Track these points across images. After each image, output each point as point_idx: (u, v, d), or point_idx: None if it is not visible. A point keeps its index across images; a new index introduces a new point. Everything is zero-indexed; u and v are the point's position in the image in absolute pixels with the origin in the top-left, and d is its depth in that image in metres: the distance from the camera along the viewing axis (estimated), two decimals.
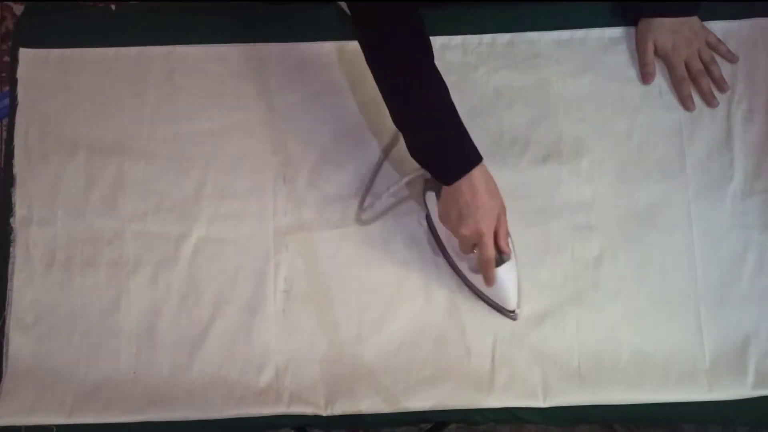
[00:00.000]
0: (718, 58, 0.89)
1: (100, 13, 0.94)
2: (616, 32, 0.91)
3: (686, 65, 0.88)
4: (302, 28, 0.92)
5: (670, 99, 0.89)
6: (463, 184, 0.73)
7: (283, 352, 0.84)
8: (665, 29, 0.87)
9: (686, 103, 0.88)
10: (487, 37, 0.91)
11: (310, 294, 0.85)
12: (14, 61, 0.91)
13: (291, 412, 0.82)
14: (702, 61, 0.88)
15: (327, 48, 0.91)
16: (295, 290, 0.85)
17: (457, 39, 0.91)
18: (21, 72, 0.90)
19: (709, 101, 0.88)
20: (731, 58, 0.88)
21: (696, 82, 0.88)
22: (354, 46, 0.90)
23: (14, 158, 0.88)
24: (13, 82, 0.90)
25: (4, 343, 0.84)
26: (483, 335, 0.84)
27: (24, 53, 0.91)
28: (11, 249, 0.86)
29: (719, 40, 0.89)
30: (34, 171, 0.88)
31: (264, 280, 0.85)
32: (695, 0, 0.88)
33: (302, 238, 0.86)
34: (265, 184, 0.88)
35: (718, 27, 0.90)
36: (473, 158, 0.74)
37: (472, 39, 0.91)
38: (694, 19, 0.88)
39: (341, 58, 0.91)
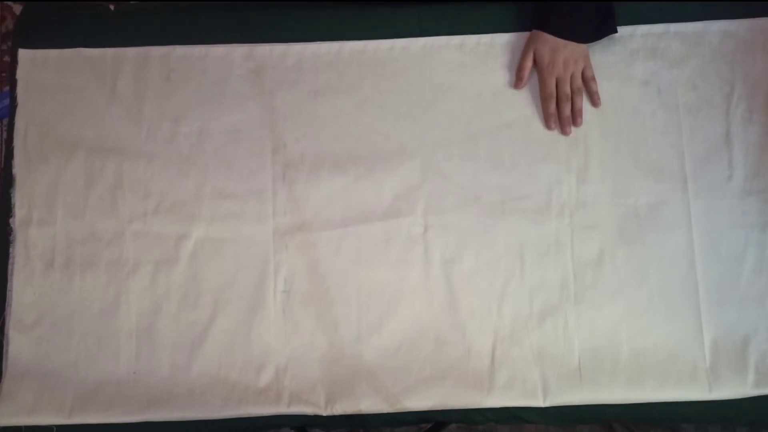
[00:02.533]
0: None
1: (100, 13, 0.94)
2: None
3: (556, 85, 0.88)
4: (302, 28, 0.92)
5: (669, 98, 0.89)
6: None
7: (283, 352, 0.84)
8: (547, 45, 0.87)
9: (547, 122, 0.88)
10: (485, 38, 0.91)
11: (310, 294, 0.85)
12: (14, 61, 0.91)
13: (291, 412, 0.82)
14: (571, 88, 0.88)
15: (327, 48, 0.91)
16: (295, 290, 0.85)
17: (455, 39, 0.91)
18: (20, 72, 0.90)
19: (563, 127, 0.88)
20: (595, 101, 0.88)
21: (559, 104, 0.88)
22: (354, 46, 0.91)
23: (14, 158, 0.88)
24: (13, 83, 0.90)
25: (4, 344, 0.84)
26: (483, 335, 0.84)
27: (23, 53, 0.91)
28: (11, 249, 0.86)
29: (593, 78, 0.89)
30: (34, 171, 0.88)
31: (264, 280, 0.85)
32: (588, 30, 0.88)
33: (302, 238, 0.86)
34: (265, 184, 0.88)
35: (717, 27, 0.90)
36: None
37: (471, 39, 0.91)
38: (582, 47, 0.88)
39: (341, 58, 0.91)
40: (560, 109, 0.88)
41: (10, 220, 0.87)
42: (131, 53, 0.91)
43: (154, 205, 0.87)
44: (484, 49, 0.91)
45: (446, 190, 0.87)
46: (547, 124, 0.88)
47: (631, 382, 0.82)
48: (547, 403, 0.82)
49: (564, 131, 0.88)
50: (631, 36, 0.91)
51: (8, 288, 0.85)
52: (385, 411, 0.82)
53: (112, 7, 0.96)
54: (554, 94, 0.88)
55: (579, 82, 0.89)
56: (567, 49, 0.87)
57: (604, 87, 0.89)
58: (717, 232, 0.86)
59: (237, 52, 0.91)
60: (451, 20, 0.91)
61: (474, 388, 0.83)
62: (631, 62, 0.90)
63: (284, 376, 0.83)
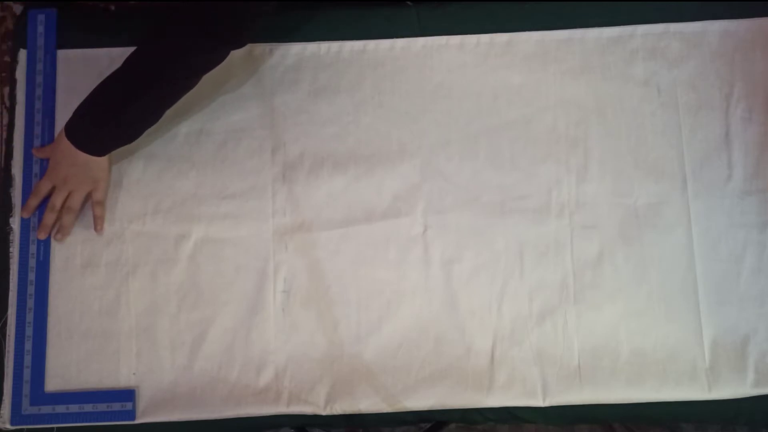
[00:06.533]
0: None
1: (100, 13, 0.94)
2: (614, 32, 0.91)
3: (52, 191, 0.84)
4: (303, 28, 0.92)
5: (669, 98, 0.89)
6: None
7: (283, 352, 0.84)
8: (61, 146, 0.81)
9: (23, 210, 0.85)
10: (485, 37, 0.91)
11: (309, 294, 0.85)
12: (14, 61, 0.91)
13: (290, 412, 0.83)
14: (67, 201, 0.84)
15: (327, 48, 0.91)
16: (295, 290, 0.85)
17: (455, 39, 0.91)
18: (20, 72, 0.90)
19: (38, 232, 0.84)
20: (97, 227, 0.85)
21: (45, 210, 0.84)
22: (354, 46, 0.91)
23: (13, 158, 0.88)
24: (13, 83, 0.90)
25: (5, 344, 0.84)
26: (483, 335, 0.84)
27: (23, 53, 0.90)
28: (11, 249, 0.86)
29: (101, 203, 0.85)
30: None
31: (264, 280, 0.85)
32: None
33: (302, 238, 0.86)
34: (265, 184, 0.88)
35: (717, 27, 0.90)
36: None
37: (471, 39, 0.91)
38: (98, 166, 0.83)
39: (341, 58, 0.91)
40: (45, 216, 0.84)
41: (10, 219, 0.87)
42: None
43: (153, 205, 0.87)
44: (484, 49, 0.91)
45: (446, 190, 0.87)
46: (23, 212, 0.85)
47: (630, 382, 0.82)
48: (547, 403, 0.82)
49: (38, 234, 0.85)
50: (631, 36, 0.91)
51: (8, 288, 0.85)
52: (384, 411, 0.82)
53: (112, 7, 0.96)
54: (43, 195, 0.84)
55: (75, 203, 0.84)
56: (77, 163, 0.82)
57: (602, 87, 0.89)
58: (716, 232, 0.86)
59: (237, 51, 0.90)
60: (451, 20, 0.91)
61: (473, 387, 0.83)
62: (630, 62, 0.90)
63: (284, 375, 0.83)
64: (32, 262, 0.85)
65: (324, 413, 0.82)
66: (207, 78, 0.86)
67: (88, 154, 0.81)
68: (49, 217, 0.85)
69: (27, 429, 0.82)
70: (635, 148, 0.88)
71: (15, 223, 0.87)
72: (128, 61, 0.79)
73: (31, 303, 0.84)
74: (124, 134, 0.82)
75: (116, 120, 0.80)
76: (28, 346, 0.84)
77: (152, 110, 0.81)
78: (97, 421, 0.82)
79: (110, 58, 0.90)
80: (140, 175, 0.88)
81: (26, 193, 0.87)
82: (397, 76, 0.90)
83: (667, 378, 0.82)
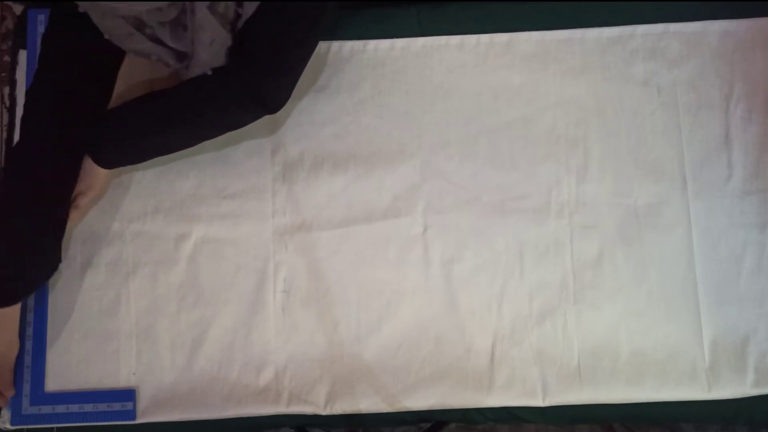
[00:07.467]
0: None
1: None
2: (614, 32, 0.91)
3: None
4: None
5: (669, 98, 0.89)
6: None
7: (283, 352, 0.84)
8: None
9: None
10: (485, 37, 0.91)
11: (309, 294, 0.85)
12: (14, 61, 0.91)
13: (290, 412, 0.83)
14: None
15: (327, 48, 0.91)
16: (295, 290, 0.85)
17: (455, 39, 0.91)
18: (20, 73, 0.90)
19: None
20: None
21: None
22: (354, 45, 0.91)
23: None
24: (13, 83, 0.90)
25: None
26: (482, 335, 0.84)
27: (23, 53, 0.90)
28: None
29: (80, 210, 0.84)
30: None
31: (263, 280, 0.85)
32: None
33: (302, 238, 0.87)
34: (265, 184, 0.88)
35: (717, 27, 0.90)
36: None
37: (471, 39, 0.91)
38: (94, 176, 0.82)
39: (341, 58, 0.91)
40: None
41: None
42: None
43: (154, 205, 0.87)
44: (484, 49, 0.91)
45: (446, 190, 0.88)
46: None
47: (630, 382, 0.82)
48: (547, 403, 0.82)
49: None
50: (631, 36, 0.91)
51: None
52: (384, 411, 0.83)
53: None
54: None
55: None
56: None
57: (602, 86, 0.89)
58: (716, 232, 0.86)
59: None
60: (451, 20, 0.91)
61: (473, 387, 0.83)
62: (630, 62, 0.90)
63: (284, 375, 0.83)
64: None
65: (324, 413, 0.82)
66: None
67: (93, 160, 0.81)
68: None
69: (27, 429, 0.82)
70: (635, 148, 0.88)
71: None
72: (171, 93, 0.80)
73: (31, 303, 0.85)
74: (133, 157, 0.83)
75: (135, 141, 0.80)
76: (28, 346, 0.84)
77: (172, 147, 0.83)
78: (97, 421, 0.82)
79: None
80: (141, 175, 0.88)
81: None
82: (397, 76, 0.90)
83: (667, 378, 0.83)
